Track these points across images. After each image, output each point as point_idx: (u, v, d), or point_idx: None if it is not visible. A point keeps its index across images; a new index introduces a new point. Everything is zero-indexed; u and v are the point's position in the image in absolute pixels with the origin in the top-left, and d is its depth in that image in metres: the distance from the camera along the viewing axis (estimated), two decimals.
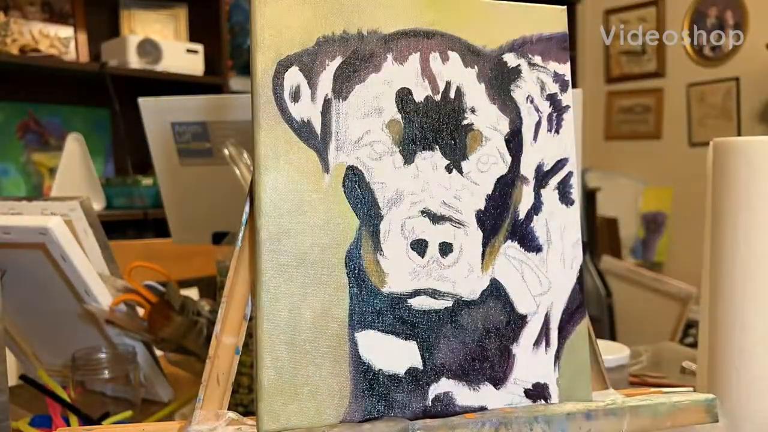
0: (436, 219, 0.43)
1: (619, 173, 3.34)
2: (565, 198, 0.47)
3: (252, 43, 0.40)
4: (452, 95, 0.44)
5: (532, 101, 0.46)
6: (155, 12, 2.42)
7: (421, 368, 0.42)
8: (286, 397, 0.39)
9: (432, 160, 0.43)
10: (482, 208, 0.44)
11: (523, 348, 0.45)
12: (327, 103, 0.42)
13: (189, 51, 2.30)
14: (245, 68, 2.54)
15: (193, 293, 1.38)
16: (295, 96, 0.41)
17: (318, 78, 0.41)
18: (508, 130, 0.45)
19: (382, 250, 0.42)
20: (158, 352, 0.82)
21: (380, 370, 0.41)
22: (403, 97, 0.43)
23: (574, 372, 0.46)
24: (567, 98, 0.47)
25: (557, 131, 0.47)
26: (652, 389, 0.47)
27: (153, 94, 0.95)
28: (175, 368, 0.84)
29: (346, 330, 0.41)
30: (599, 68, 3.54)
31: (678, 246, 3.21)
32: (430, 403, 0.42)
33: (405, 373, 0.42)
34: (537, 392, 0.45)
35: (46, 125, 2.28)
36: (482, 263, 0.44)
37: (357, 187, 0.42)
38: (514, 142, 0.45)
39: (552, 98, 0.46)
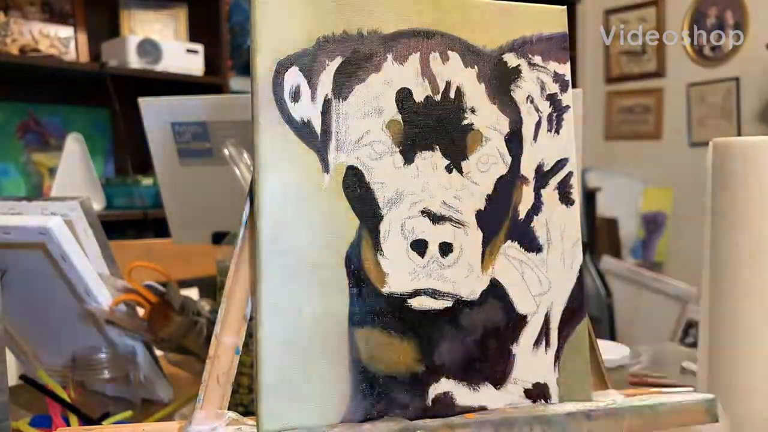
0: (436, 219, 0.43)
1: (619, 173, 3.34)
2: (565, 198, 0.47)
3: (252, 43, 0.40)
4: (452, 95, 0.44)
5: (532, 101, 0.46)
6: (155, 12, 2.42)
7: (421, 368, 0.42)
8: (286, 397, 0.39)
9: (432, 160, 0.43)
10: (482, 208, 0.44)
11: (523, 348, 0.45)
12: (327, 103, 0.42)
13: (189, 51, 2.30)
14: (245, 68, 2.54)
15: (193, 293, 1.38)
16: (295, 96, 0.41)
17: (318, 78, 0.41)
18: (508, 130, 0.45)
19: (382, 250, 0.42)
20: (158, 352, 0.82)
21: (380, 370, 0.41)
22: (403, 97, 0.43)
23: (574, 372, 0.46)
24: (567, 98, 0.47)
25: (557, 131, 0.47)
26: (652, 389, 0.47)
27: (153, 94, 0.95)
28: (175, 368, 0.84)
29: (346, 330, 0.41)
30: (599, 68, 3.54)
31: (678, 246, 3.20)
32: (430, 403, 0.42)
33: (405, 373, 0.42)
34: (537, 392, 0.45)
35: (46, 125, 2.28)
36: (482, 263, 0.44)
37: (357, 187, 0.42)
38: (514, 142, 0.45)
39: (552, 98, 0.46)
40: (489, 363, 0.44)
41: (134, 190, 2.17)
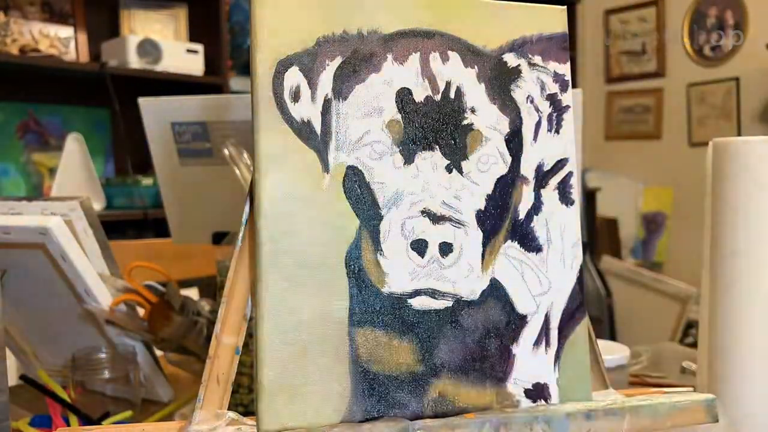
0: (436, 219, 0.43)
1: (619, 173, 3.34)
2: (565, 198, 0.47)
3: (252, 43, 0.40)
4: (452, 95, 0.44)
5: (532, 101, 0.46)
6: (155, 12, 2.42)
7: (422, 368, 0.42)
8: (286, 397, 0.39)
9: (432, 160, 0.43)
10: (482, 208, 0.44)
11: (523, 348, 0.45)
12: (327, 103, 0.42)
13: (189, 51, 2.30)
14: (245, 68, 2.54)
15: (193, 293, 1.38)
16: (295, 96, 0.41)
17: (318, 78, 0.41)
18: (508, 130, 0.45)
19: (382, 250, 0.42)
20: (158, 352, 0.82)
21: (380, 370, 0.41)
22: (403, 97, 0.43)
23: (574, 372, 0.46)
24: (567, 98, 0.47)
25: (557, 131, 0.47)
26: (652, 389, 0.47)
27: (153, 94, 0.95)
28: (175, 368, 0.84)
29: (346, 330, 0.41)
30: (599, 68, 3.54)
31: (678, 246, 3.21)
32: (430, 403, 0.42)
33: (405, 373, 0.42)
34: (537, 392, 0.45)
35: (46, 125, 2.28)
36: (482, 263, 0.44)
37: (357, 187, 0.42)
38: (514, 142, 0.45)
39: (552, 98, 0.46)
40: (489, 363, 0.44)
41: (134, 190, 2.17)
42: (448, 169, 0.43)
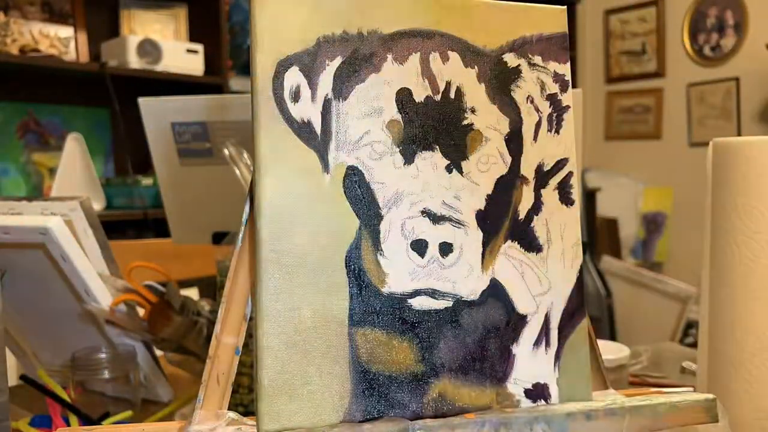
0: (436, 219, 0.43)
1: (619, 173, 3.34)
2: (565, 198, 0.47)
3: (252, 43, 0.40)
4: (452, 95, 0.44)
5: (532, 101, 0.46)
6: (155, 12, 2.42)
7: (422, 368, 0.42)
8: (286, 397, 0.39)
9: (432, 160, 0.43)
10: (482, 208, 0.44)
11: (523, 348, 0.45)
12: (327, 103, 0.42)
13: (189, 51, 2.30)
14: (245, 68, 2.54)
15: (193, 293, 1.38)
16: (295, 96, 0.41)
17: (318, 78, 0.41)
18: (508, 130, 0.45)
19: (382, 250, 0.42)
20: (158, 352, 0.82)
21: (380, 370, 0.41)
22: (403, 97, 0.43)
23: (574, 372, 0.46)
24: (567, 98, 0.47)
25: (557, 131, 0.47)
26: (652, 389, 0.47)
27: (153, 94, 0.95)
28: (175, 368, 0.84)
29: (346, 330, 0.41)
30: (599, 68, 3.54)
31: (678, 246, 3.21)
32: (430, 403, 0.42)
33: (405, 373, 0.42)
34: (537, 392, 0.45)
35: (46, 125, 2.28)
36: (482, 263, 0.44)
37: (357, 187, 0.42)
38: (514, 142, 0.45)
39: (552, 98, 0.46)
40: (489, 363, 0.44)
41: (134, 190, 2.17)
42: (448, 169, 0.43)
